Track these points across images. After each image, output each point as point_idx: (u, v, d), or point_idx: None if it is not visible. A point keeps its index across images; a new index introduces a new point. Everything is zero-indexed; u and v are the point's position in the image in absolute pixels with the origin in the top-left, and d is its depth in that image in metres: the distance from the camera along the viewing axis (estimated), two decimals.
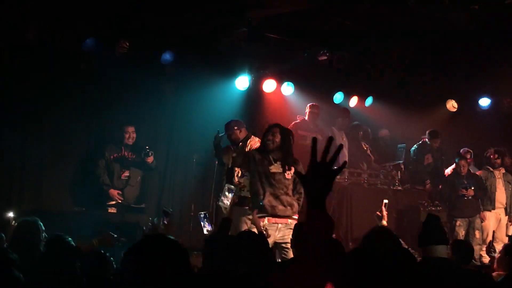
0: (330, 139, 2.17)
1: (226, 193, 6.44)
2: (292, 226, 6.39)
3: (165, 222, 5.88)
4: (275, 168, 6.61)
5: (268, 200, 6.50)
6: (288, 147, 6.65)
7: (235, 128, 7.73)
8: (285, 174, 6.61)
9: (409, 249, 4.85)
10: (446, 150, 10.64)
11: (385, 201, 6.17)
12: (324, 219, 2.23)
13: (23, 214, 6.36)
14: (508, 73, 10.17)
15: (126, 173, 8.41)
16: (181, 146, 9.56)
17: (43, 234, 4.88)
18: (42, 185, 8.24)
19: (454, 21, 8.31)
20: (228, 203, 6.23)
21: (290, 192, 6.60)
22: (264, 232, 6.28)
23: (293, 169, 6.54)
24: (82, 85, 8.39)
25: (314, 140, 2.23)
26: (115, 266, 4.70)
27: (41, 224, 4.91)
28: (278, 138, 6.60)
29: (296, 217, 6.65)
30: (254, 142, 7.60)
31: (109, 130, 8.83)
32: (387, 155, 10.70)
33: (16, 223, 5.72)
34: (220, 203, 6.59)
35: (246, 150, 7.47)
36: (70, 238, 4.70)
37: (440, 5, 7.57)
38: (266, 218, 6.47)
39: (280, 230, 6.49)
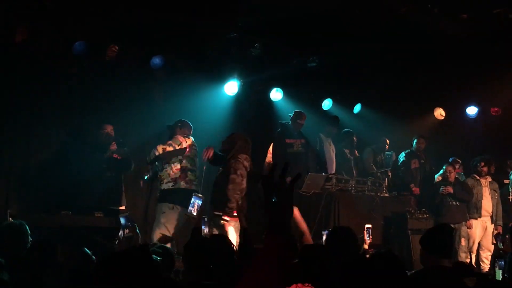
0: (286, 165, 2.08)
1: (193, 202, 6.42)
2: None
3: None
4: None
5: None
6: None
7: (179, 124, 7.94)
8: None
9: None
10: (433, 158, 10.68)
11: (368, 226, 5.99)
12: (284, 245, 2.04)
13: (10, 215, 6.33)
14: (496, 82, 10.25)
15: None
16: None
17: (29, 237, 4.86)
18: (29, 187, 8.16)
19: (443, 29, 8.36)
20: (195, 213, 6.23)
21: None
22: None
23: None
24: (71, 89, 8.33)
25: (286, 165, 2.08)
26: None
27: (27, 227, 4.90)
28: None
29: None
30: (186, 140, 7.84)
31: (97, 134, 8.75)
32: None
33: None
34: (187, 213, 6.57)
35: (179, 147, 7.73)
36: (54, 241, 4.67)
37: (429, 13, 7.63)
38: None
39: None
